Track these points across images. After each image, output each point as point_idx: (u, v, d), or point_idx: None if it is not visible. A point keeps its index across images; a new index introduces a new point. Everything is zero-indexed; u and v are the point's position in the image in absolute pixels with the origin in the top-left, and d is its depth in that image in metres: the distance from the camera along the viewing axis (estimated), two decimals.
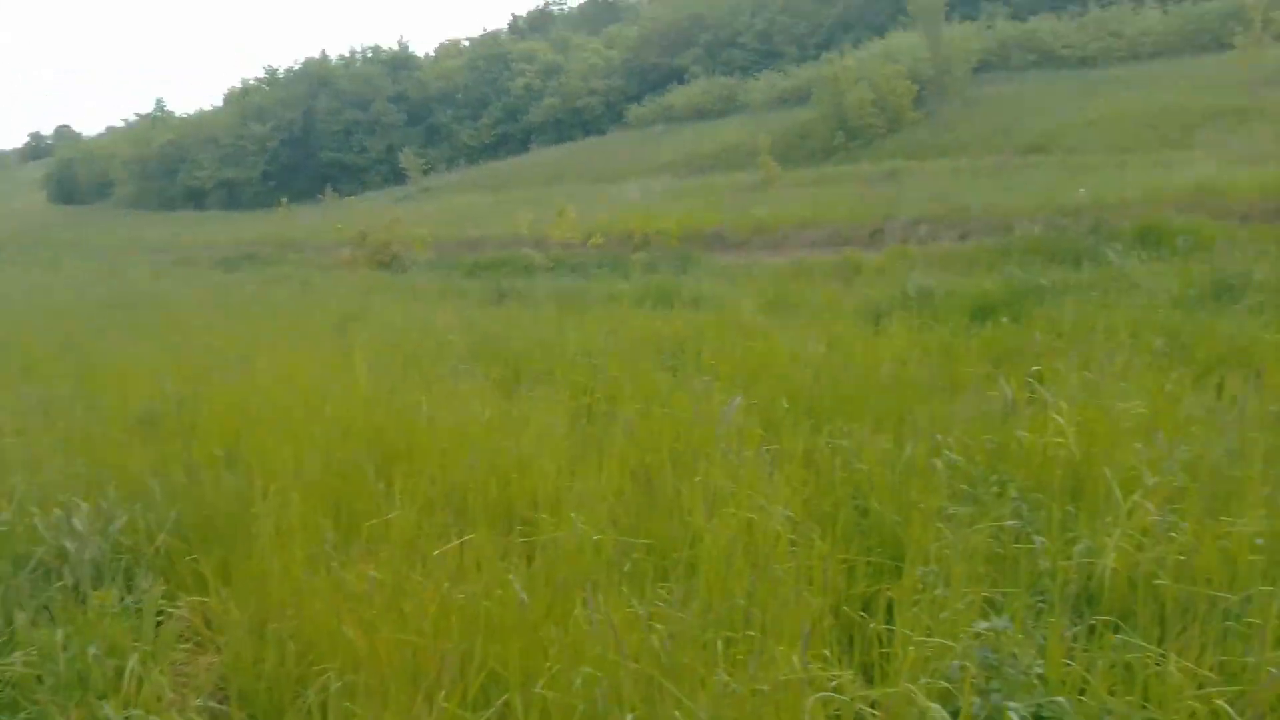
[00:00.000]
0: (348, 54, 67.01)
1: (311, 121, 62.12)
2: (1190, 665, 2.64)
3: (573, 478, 4.59)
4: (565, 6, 77.66)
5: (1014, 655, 2.73)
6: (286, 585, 3.64)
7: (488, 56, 62.81)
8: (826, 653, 3.05)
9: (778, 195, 25.86)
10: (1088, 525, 3.68)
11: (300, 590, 3.57)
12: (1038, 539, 3.68)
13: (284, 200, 45.20)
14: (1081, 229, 13.17)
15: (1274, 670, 2.61)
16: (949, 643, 2.83)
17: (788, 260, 17.06)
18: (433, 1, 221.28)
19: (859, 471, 4.47)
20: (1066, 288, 9.69)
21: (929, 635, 2.92)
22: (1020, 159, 23.58)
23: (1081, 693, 2.65)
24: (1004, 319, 8.39)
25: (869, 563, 3.82)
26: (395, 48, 67.14)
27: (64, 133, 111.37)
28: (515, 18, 77.78)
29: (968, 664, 2.66)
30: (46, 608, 3.66)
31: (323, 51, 79.47)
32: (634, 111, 51.71)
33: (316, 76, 63.87)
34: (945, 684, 2.64)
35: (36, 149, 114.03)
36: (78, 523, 4.08)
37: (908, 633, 2.89)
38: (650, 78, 54.99)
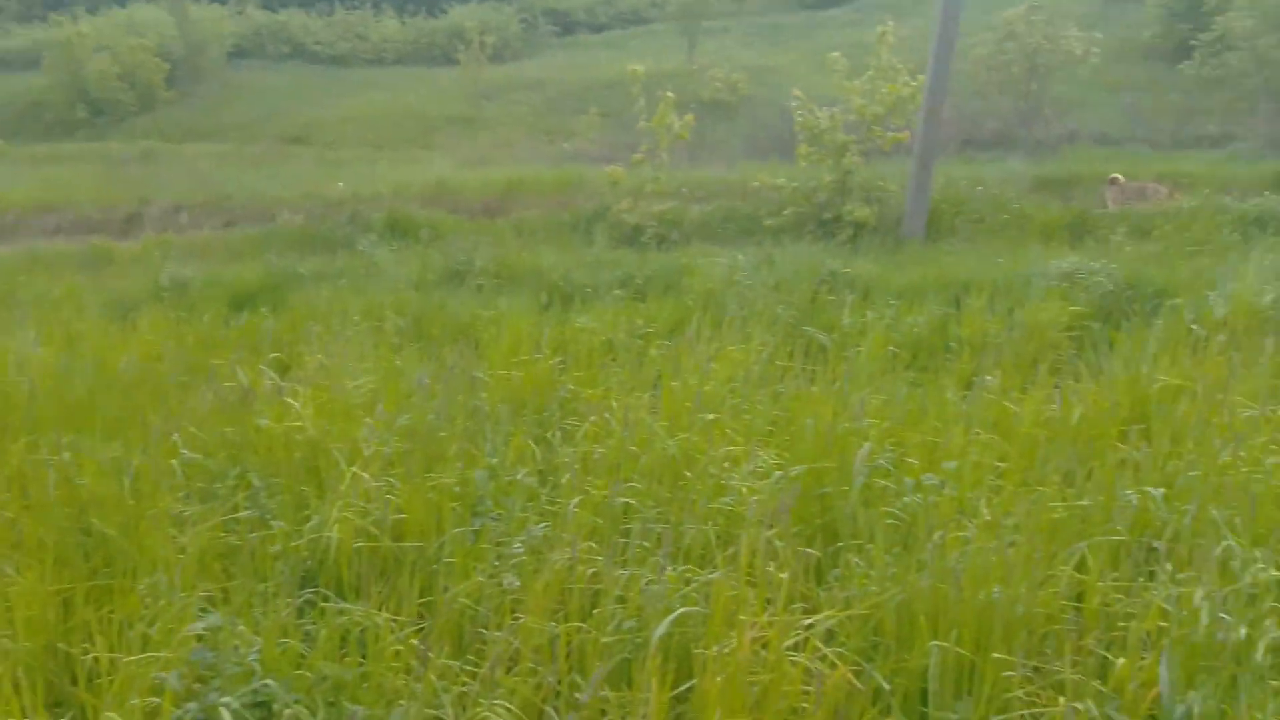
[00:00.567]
0: None
1: None
2: (391, 615, 2.94)
3: None
4: None
5: (236, 648, 2.72)
6: None
7: None
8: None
9: (5, 174, 21.84)
10: (320, 502, 3.85)
11: None
12: (276, 524, 3.73)
13: None
14: (340, 220, 13.83)
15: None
16: (166, 655, 2.69)
17: (20, 249, 14.62)
18: None
19: (81, 488, 4.01)
20: (324, 275, 10.07)
21: (146, 650, 2.74)
22: (281, 148, 23.72)
23: (299, 667, 2.75)
24: (263, 308, 8.41)
25: (93, 586, 3.46)
26: None
27: None
28: None
29: (184, 670, 2.56)
30: None
31: None
32: None
33: None
34: (155, 700, 2.50)
35: None
36: None
37: (118, 656, 2.67)
38: None
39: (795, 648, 2.84)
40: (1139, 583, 3.13)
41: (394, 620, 2.92)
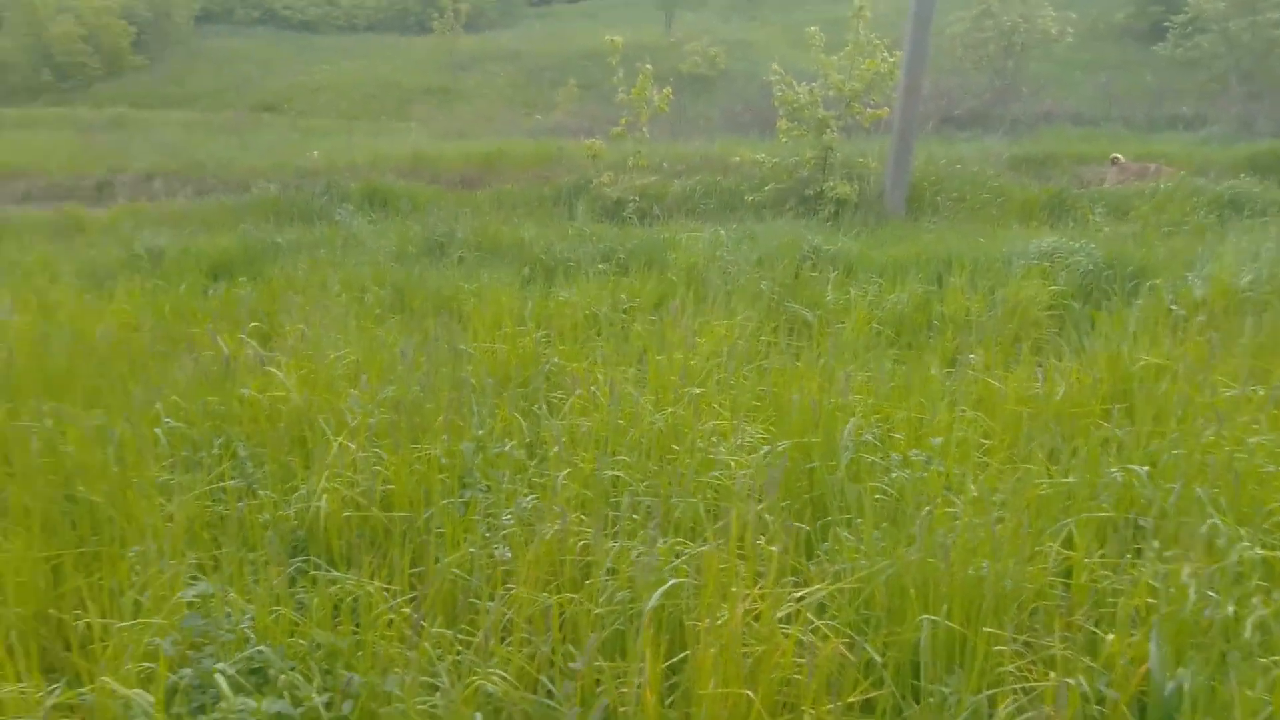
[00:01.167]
0: None
1: None
2: (384, 584, 2.94)
3: None
4: None
5: (228, 615, 2.70)
6: None
7: None
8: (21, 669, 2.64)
9: None
10: (306, 473, 3.83)
11: None
12: (263, 493, 3.71)
13: None
14: (315, 190, 13.63)
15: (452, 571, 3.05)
16: (158, 621, 2.67)
17: None
18: None
19: (66, 455, 3.96)
20: (301, 246, 9.94)
21: (138, 617, 2.72)
22: (253, 116, 23.34)
23: (293, 635, 2.75)
24: (242, 278, 8.30)
25: (81, 553, 3.42)
26: None
27: None
28: None
29: (177, 636, 2.55)
30: None
31: None
32: None
33: None
34: (150, 665, 2.48)
35: None
36: None
37: (110, 622, 2.65)
38: None
39: (787, 620, 2.87)
40: (1126, 560, 3.18)
41: (386, 589, 2.91)
